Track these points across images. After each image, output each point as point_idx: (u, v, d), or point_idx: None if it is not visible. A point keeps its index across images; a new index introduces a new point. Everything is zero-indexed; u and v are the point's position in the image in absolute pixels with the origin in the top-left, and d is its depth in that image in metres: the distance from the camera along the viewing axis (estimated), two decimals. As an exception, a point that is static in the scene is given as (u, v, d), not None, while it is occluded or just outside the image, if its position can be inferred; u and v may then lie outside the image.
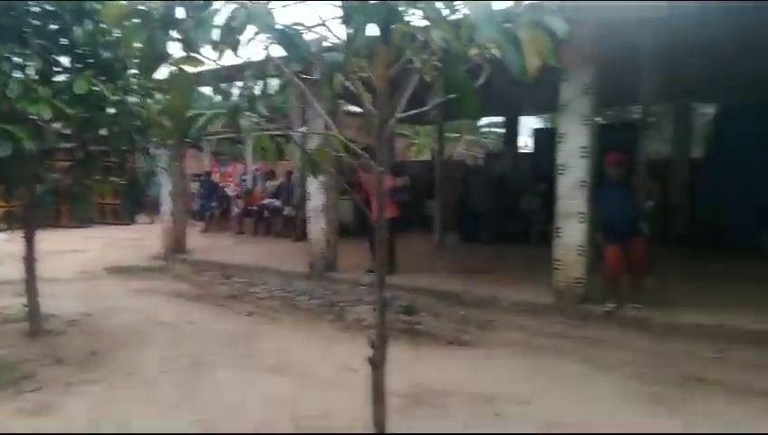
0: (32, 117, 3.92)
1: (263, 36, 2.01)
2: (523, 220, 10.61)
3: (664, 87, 7.20)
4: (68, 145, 5.02)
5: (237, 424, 3.38)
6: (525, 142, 16.89)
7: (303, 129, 5.98)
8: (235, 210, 13.35)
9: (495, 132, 22.17)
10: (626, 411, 3.60)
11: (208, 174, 15.19)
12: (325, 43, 2.26)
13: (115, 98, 4.32)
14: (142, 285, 7.68)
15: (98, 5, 4.22)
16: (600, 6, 5.14)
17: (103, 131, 4.68)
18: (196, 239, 11.39)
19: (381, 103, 2.31)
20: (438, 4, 1.90)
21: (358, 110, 2.41)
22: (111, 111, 4.42)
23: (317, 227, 7.83)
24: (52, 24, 4.30)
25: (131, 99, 4.46)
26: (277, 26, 1.96)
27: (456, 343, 5.08)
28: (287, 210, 12.16)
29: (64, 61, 4.43)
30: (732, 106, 9.87)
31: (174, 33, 2.07)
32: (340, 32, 2.13)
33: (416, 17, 1.99)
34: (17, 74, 3.93)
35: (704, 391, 3.92)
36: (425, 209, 12.11)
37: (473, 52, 2.01)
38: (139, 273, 8.59)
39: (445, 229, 10.60)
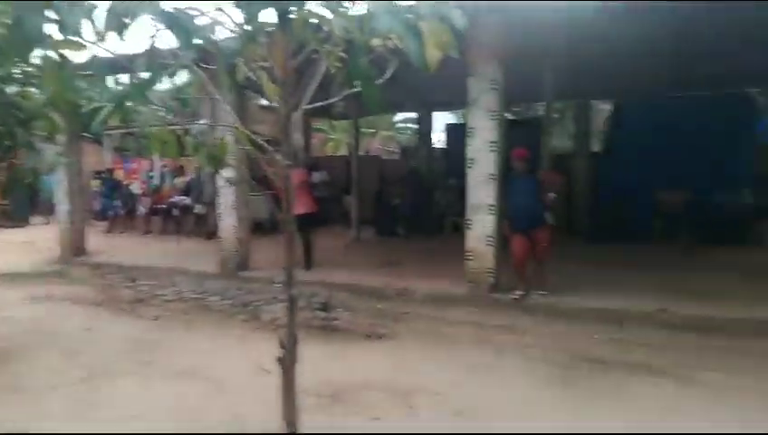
0: None
1: (151, 21, 1.86)
2: (438, 214, 10.86)
3: (565, 85, 7.60)
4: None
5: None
6: (439, 138, 17.25)
7: (204, 121, 5.70)
8: (141, 209, 12.61)
9: (411, 128, 22.48)
10: (536, 395, 3.76)
11: (110, 171, 14.22)
12: (222, 29, 2.14)
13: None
14: (37, 291, 7.05)
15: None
16: (504, 6, 5.33)
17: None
18: (99, 241, 10.59)
19: (286, 94, 2.23)
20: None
21: (273, 104, 2.30)
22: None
23: (228, 224, 7.55)
24: None
25: (10, 89, 4.02)
26: (165, 10, 1.81)
27: (373, 337, 5.10)
28: (198, 208, 11.64)
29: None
30: (628, 103, 10.63)
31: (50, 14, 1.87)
32: (238, 17, 2.02)
33: (317, 5, 1.92)
34: None
35: (607, 371, 4.18)
36: (342, 205, 12.06)
37: (375, 42, 1.98)
38: (33, 278, 7.88)
39: (361, 224, 10.62)
